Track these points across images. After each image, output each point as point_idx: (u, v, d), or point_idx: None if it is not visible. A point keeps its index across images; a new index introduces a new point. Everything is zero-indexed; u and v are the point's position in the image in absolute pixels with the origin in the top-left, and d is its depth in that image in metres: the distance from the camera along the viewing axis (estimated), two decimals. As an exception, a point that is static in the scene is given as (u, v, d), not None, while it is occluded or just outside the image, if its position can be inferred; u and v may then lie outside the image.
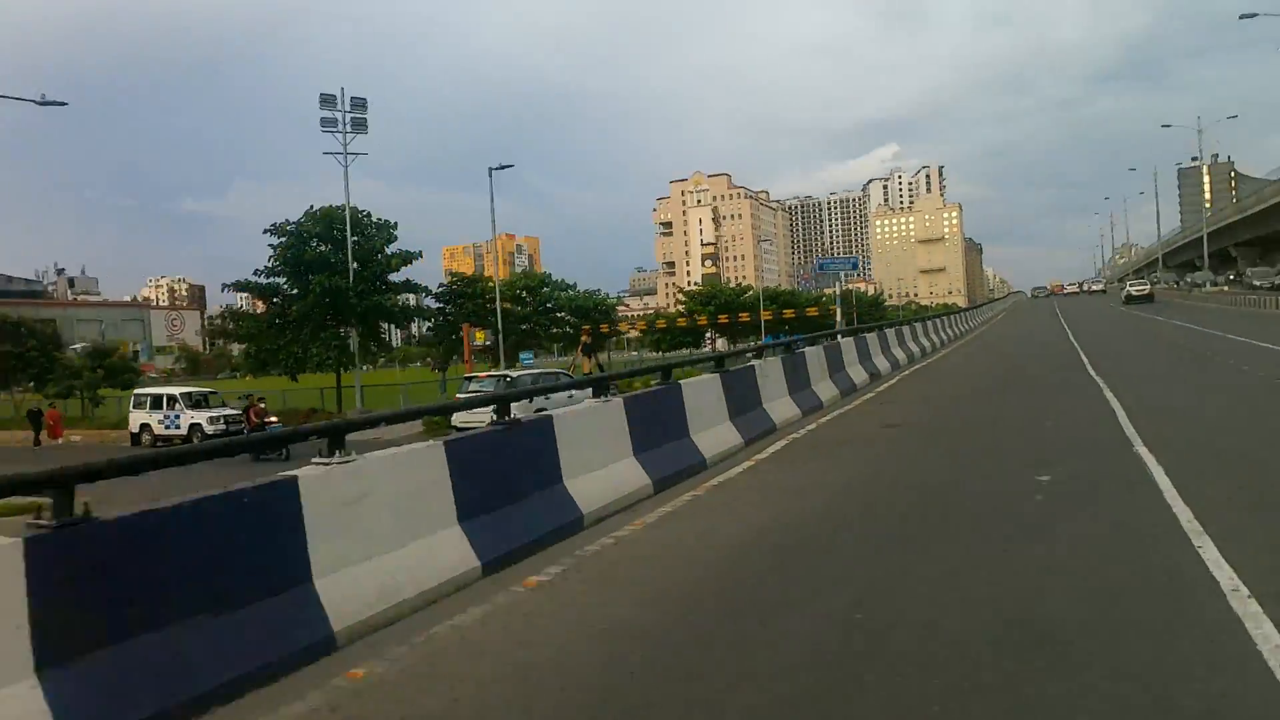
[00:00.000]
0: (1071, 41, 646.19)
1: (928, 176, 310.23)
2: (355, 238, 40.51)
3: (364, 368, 51.21)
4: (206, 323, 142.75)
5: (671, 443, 8.63)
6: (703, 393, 9.77)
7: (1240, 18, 40.96)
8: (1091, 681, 3.65)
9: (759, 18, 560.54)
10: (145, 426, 32.69)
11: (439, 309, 57.28)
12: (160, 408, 32.80)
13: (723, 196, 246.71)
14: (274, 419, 29.74)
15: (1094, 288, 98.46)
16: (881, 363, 19.47)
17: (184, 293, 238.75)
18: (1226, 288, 63.27)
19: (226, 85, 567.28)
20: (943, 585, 5.06)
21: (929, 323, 30.40)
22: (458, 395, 26.67)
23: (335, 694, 4.01)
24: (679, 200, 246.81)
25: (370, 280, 41.50)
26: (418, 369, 77.44)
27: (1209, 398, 13.02)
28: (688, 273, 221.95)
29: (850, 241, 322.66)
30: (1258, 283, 53.83)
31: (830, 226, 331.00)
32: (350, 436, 5.17)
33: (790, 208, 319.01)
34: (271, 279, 41.63)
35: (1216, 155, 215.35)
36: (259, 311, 46.74)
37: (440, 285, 57.45)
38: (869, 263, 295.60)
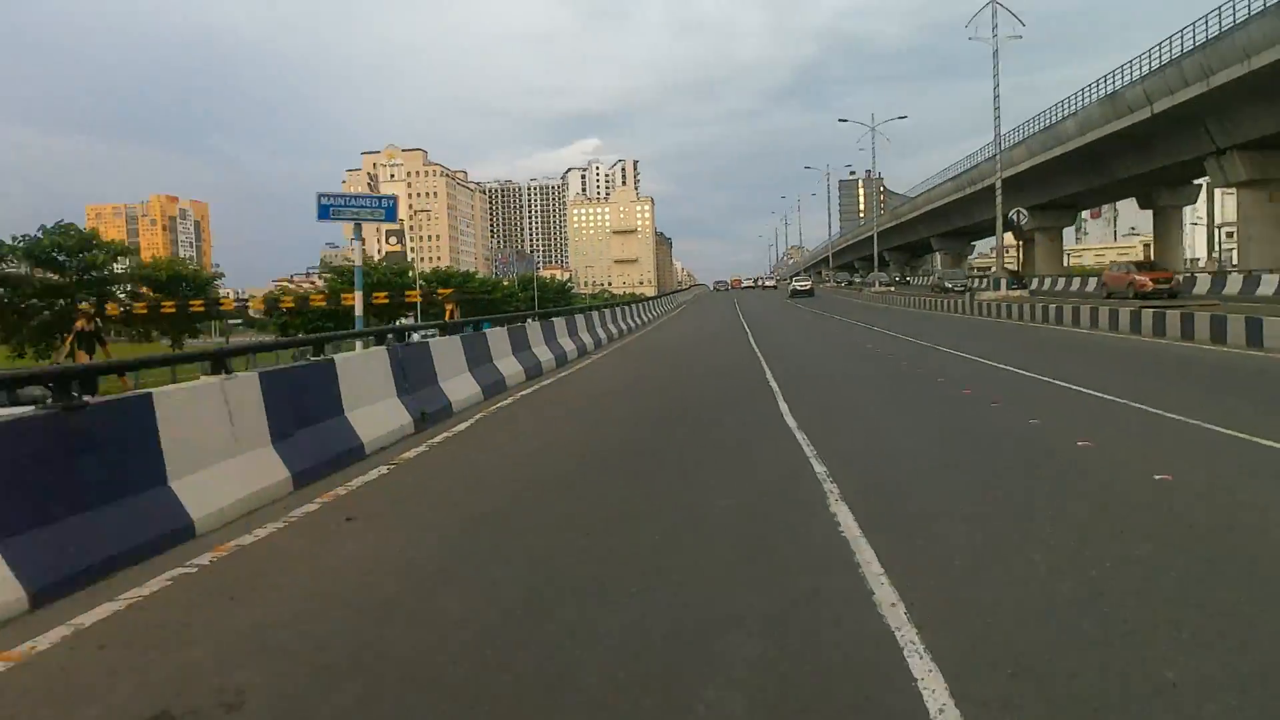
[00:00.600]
0: (753, 60, 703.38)
1: (624, 170, 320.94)
2: None
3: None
4: None
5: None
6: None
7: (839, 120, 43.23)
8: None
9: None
10: None
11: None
12: None
13: (418, 173, 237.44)
14: None
15: (767, 283, 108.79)
16: (544, 354, 16.76)
17: None
18: (893, 288, 68.56)
19: None
20: None
21: (605, 311, 28.67)
22: None
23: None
24: (370, 173, 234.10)
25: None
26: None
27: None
28: (379, 249, 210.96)
29: (549, 229, 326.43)
30: (949, 284, 57.38)
31: (530, 213, 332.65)
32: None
33: (490, 191, 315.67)
34: None
35: (869, 170, 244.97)
36: None
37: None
38: (566, 250, 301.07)
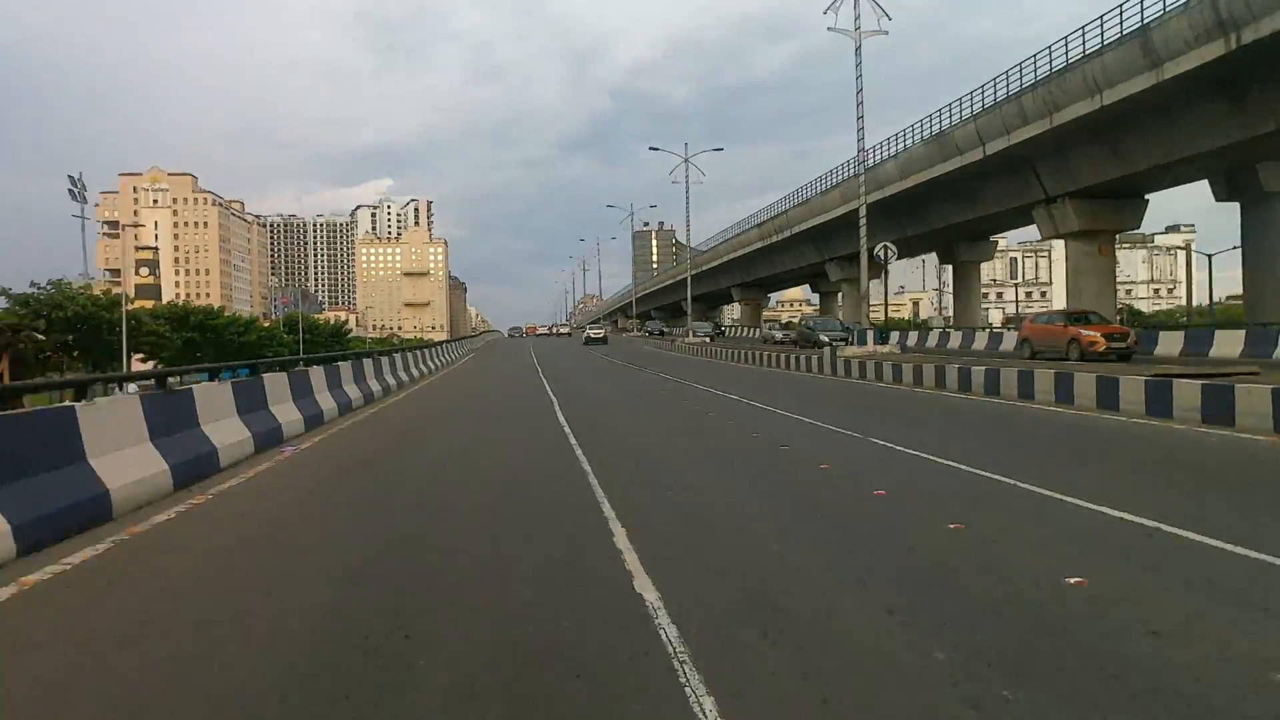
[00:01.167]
0: (550, 109, 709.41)
1: (416, 210, 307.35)
2: None
3: None
4: None
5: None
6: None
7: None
8: None
9: (254, 23, 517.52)
10: None
11: None
12: None
13: (186, 200, 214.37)
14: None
15: (561, 330, 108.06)
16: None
17: None
18: (710, 339, 63.72)
19: None
20: None
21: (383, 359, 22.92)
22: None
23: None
24: (130, 197, 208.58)
25: None
26: None
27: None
28: (132, 281, 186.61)
29: (336, 269, 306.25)
30: (779, 335, 52.63)
31: (316, 251, 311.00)
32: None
33: (272, 226, 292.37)
34: None
35: (661, 223, 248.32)
36: None
37: None
38: (353, 291, 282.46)
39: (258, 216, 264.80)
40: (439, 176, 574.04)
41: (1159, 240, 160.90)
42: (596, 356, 44.30)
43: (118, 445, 7.62)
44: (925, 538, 6.14)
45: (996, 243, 59.14)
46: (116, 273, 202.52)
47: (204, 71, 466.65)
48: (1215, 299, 58.51)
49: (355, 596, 4.99)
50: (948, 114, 38.85)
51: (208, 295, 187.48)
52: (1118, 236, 40.31)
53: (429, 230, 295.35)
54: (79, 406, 7.27)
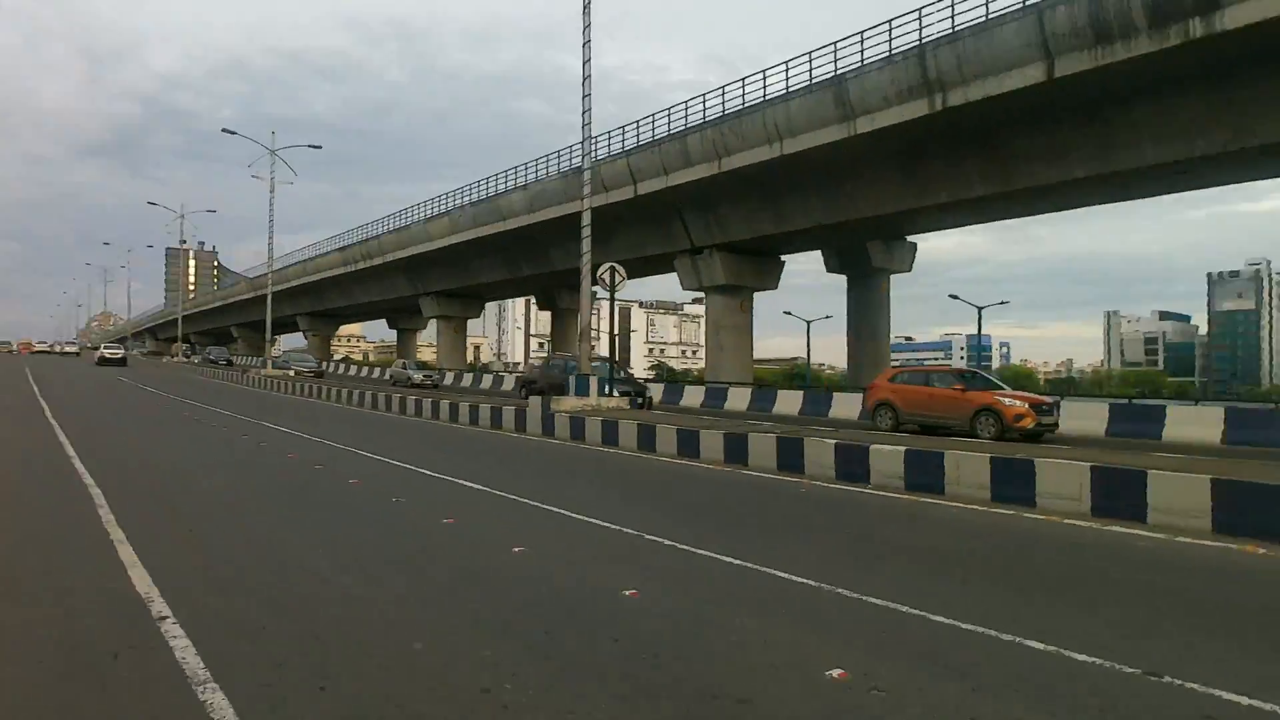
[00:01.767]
0: (59, 105, 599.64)
1: None
2: None
3: None
4: None
5: None
6: None
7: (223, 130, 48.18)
8: None
9: None
10: None
11: None
12: None
13: None
14: None
15: (68, 349, 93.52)
16: None
17: None
18: (316, 375, 52.78)
19: None
20: None
21: None
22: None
23: None
24: None
25: None
26: None
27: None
28: None
29: None
30: (417, 377, 42.02)
31: None
32: None
33: None
34: None
35: (203, 243, 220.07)
36: None
37: None
38: None
39: None
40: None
41: (686, 310, 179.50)
42: (133, 387, 33.07)
43: None
44: None
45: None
46: None
47: None
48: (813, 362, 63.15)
49: None
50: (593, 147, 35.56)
51: None
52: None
53: None
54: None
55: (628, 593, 5.59)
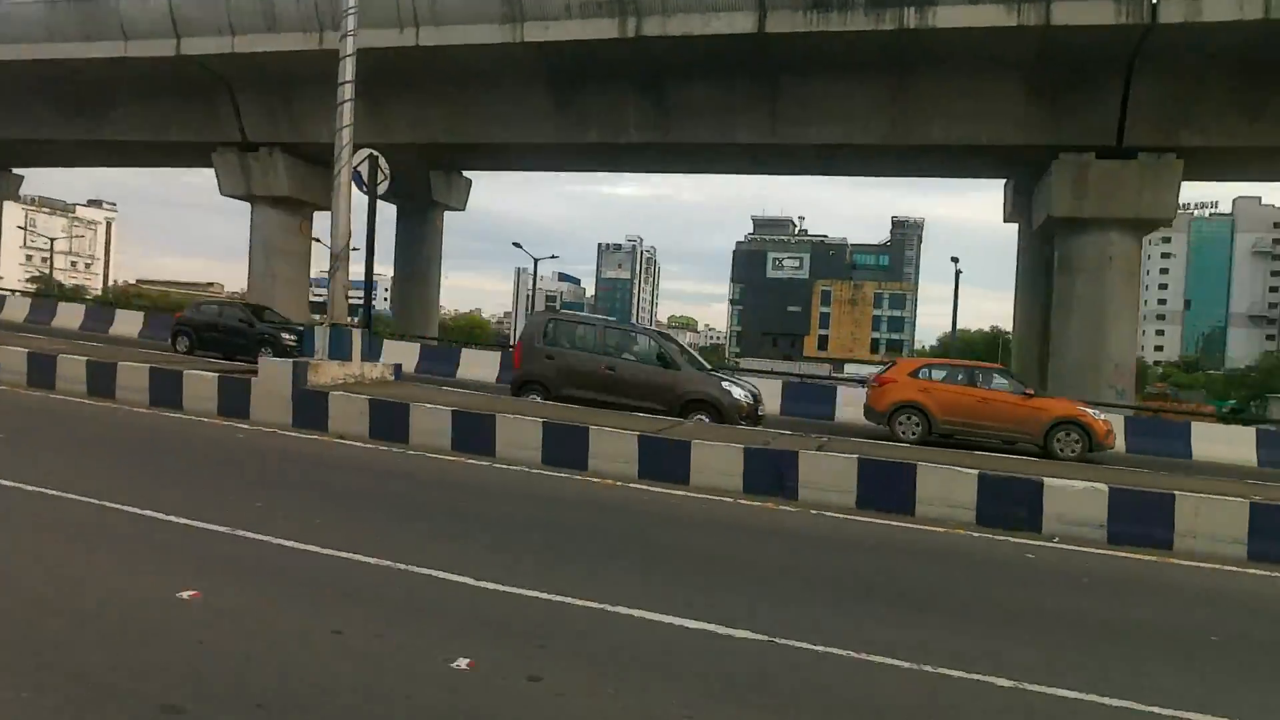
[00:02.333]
0: None
1: None
2: None
3: None
4: None
5: None
6: None
7: None
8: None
9: None
10: None
11: None
12: None
13: None
14: None
15: None
16: None
17: None
18: None
19: None
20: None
21: None
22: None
23: None
24: None
25: None
26: None
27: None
28: None
29: None
30: None
31: None
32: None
33: None
34: None
35: None
36: None
37: None
38: None
39: None
40: None
41: (80, 212, 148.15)
42: None
43: None
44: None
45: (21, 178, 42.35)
46: None
47: None
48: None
49: None
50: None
51: None
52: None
53: None
54: None
55: None
